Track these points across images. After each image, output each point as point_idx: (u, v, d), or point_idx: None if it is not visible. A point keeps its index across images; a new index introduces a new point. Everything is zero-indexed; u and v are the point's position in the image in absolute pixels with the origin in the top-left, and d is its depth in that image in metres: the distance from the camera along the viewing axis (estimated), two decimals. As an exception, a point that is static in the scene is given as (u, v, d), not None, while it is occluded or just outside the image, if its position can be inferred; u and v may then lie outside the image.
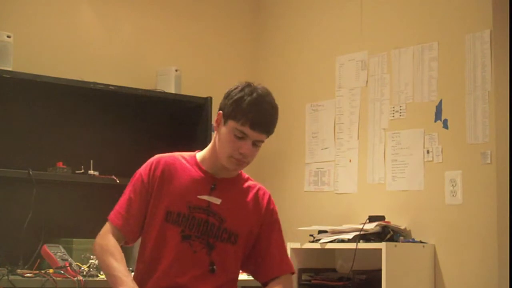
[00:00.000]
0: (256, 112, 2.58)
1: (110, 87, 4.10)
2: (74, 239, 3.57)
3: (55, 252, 3.16)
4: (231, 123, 2.60)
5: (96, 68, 4.34)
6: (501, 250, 3.64)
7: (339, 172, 4.47)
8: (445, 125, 3.95)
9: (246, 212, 2.72)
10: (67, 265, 3.03)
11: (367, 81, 4.37)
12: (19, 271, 3.03)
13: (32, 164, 3.80)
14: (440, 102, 3.98)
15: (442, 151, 3.95)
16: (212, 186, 2.68)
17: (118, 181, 3.86)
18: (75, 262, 3.18)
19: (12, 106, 3.94)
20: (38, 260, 3.35)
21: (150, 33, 4.65)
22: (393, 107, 4.20)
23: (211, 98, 4.31)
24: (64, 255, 3.16)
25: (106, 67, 4.40)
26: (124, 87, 4.18)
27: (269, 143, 4.93)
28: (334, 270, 4.29)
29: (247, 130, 2.58)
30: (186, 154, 2.77)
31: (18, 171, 3.75)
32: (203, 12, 4.88)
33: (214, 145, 2.70)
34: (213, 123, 2.72)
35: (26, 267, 3.42)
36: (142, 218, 2.67)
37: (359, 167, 4.35)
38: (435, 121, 3.99)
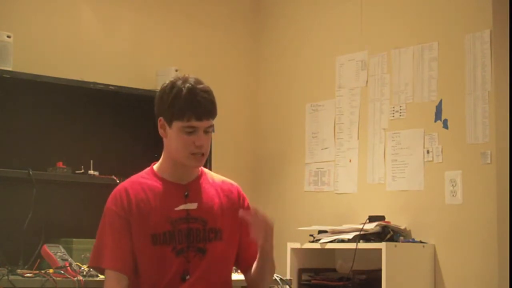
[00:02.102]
0: (195, 103, 2.59)
1: (110, 87, 4.10)
2: (74, 239, 3.56)
3: (55, 252, 3.15)
4: (176, 124, 2.60)
5: (96, 68, 4.34)
6: (501, 250, 3.65)
7: (339, 172, 4.47)
8: (445, 125, 3.95)
9: (221, 206, 2.71)
10: (67, 265, 3.02)
11: (367, 81, 4.37)
12: (19, 271, 3.02)
13: (32, 164, 3.80)
14: (440, 102, 3.98)
15: (442, 151, 3.95)
16: (186, 193, 2.67)
17: (118, 181, 3.85)
18: (75, 262, 3.17)
19: (12, 106, 3.93)
20: (38, 260, 3.34)
21: (150, 33, 4.65)
22: (393, 107, 4.20)
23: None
24: (64, 255, 3.15)
25: (106, 67, 4.40)
26: (124, 87, 4.18)
27: (269, 143, 4.97)
28: (334, 270, 4.29)
29: (194, 123, 2.59)
30: (142, 172, 2.75)
31: (18, 171, 3.75)
32: (203, 12, 4.88)
33: (167, 152, 2.69)
34: (161, 134, 2.70)
35: (26, 267, 3.41)
36: (132, 251, 2.63)
37: (359, 167, 4.35)
38: (435, 121, 3.99)
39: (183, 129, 2.60)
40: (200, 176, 2.75)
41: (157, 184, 2.69)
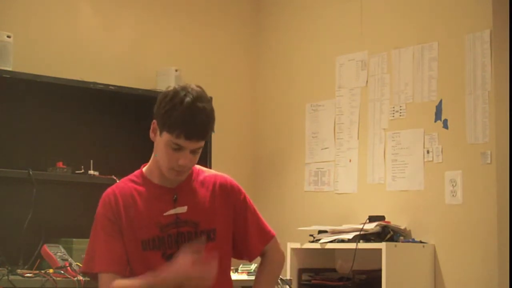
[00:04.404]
0: (188, 123, 2.49)
1: (110, 87, 4.10)
2: (74, 239, 3.56)
3: (55, 252, 3.15)
4: (165, 135, 2.52)
5: (96, 68, 4.35)
6: (501, 250, 3.65)
7: (339, 172, 4.47)
8: (445, 125, 3.95)
9: (214, 205, 2.67)
10: (67, 265, 3.02)
11: (367, 81, 4.37)
12: (19, 271, 3.02)
13: (32, 164, 3.80)
14: (440, 102, 3.98)
15: (442, 151, 3.95)
16: (174, 197, 2.63)
17: (118, 181, 3.85)
18: (75, 262, 3.17)
19: (12, 106, 3.93)
20: (38, 260, 3.35)
21: (150, 33, 4.65)
22: (393, 107, 4.20)
23: (211, 98, 4.30)
24: (64, 255, 3.15)
25: (106, 67, 4.40)
26: (124, 87, 4.18)
27: (269, 143, 4.97)
28: (334, 270, 4.29)
29: (182, 142, 2.50)
30: (132, 175, 2.71)
31: (18, 171, 3.75)
32: (203, 12, 4.88)
33: (155, 160, 2.65)
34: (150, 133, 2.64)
35: (26, 267, 3.41)
36: (125, 254, 2.61)
37: (359, 167, 4.36)
38: (435, 121, 3.99)
39: (171, 144, 2.52)
40: (190, 176, 2.69)
41: (146, 188, 2.65)
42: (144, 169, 2.71)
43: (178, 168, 2.56)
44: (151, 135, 2.62)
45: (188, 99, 2.51)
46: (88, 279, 2.94)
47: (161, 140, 2.55)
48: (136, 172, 2.72)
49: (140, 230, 2.60)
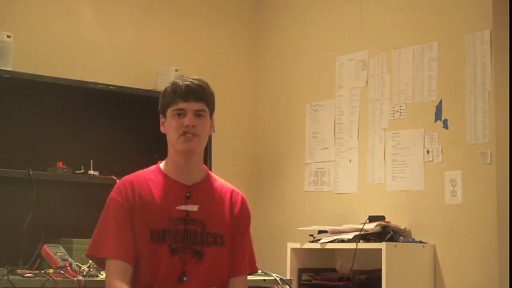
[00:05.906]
0: (181, 86, 2.68)
1: (110, 87, 4.10)
2: (74, 239, 3.56)
3: (55, 252, 3.15)
4: (169, 112, 2.69)
5: (96, 68, 4.35)
6: (501, 250, 3.65)
7: (339, 172, 4.47)
8: (445, 125, 3.95)
9: (223, 212, 2.74)
10: (67, 265, 3.02)
11: (367, 81, 4.37)
12: (19, 271, 3.02)
13: (32, 164, 3.80)
14: (440, 102, 3.98)
15: (442, 151, 3.95)
16: (188, 194, 2.69)
17: (118, 181, 3.85)
18: (75, 262, 3.16)
19: (12, 106, 3.93)
20: (38, 260, 3.34)
21: (150, 33, 4.65)
22: (393, 107, 4.20)
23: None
24: (64, 255, 3.15)
25: (106, 67, 4.41)
26: (124, 87, 4.18)
27: (269, 143, 4.97)
28: (334, 270, 4.29)
29: (182, 104, 2.67)
30: (149, 168, 2.79)
31: (18, 171, 3.75)
32: (203, 12, 4.88)
33: (169, 148, 2.74)
34: (162, 131, 2.78)
35: (26, 267, 3.42)
36: (134, 241, 2.64)
37: (359, 167, 4.35)
38: (435, 121, 3.99)
39: (173, 113, 2.67)
40: (206, 179, 2.76)
41: (162, 180, 2.71)
42: (161, 164, 2.78)
43: (185, 129, 2.65)
44: (161, 128, 2.75)
45: (177, 77, 2.76)
46: (90, 279, 2.94)
47: (167, 122, 2.70)
48: (153, 167, 2.79)
49: (151, 219, 2.64)
